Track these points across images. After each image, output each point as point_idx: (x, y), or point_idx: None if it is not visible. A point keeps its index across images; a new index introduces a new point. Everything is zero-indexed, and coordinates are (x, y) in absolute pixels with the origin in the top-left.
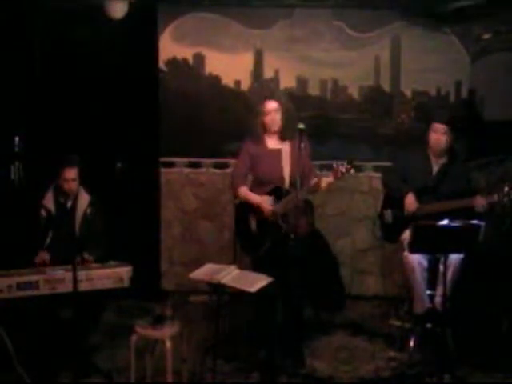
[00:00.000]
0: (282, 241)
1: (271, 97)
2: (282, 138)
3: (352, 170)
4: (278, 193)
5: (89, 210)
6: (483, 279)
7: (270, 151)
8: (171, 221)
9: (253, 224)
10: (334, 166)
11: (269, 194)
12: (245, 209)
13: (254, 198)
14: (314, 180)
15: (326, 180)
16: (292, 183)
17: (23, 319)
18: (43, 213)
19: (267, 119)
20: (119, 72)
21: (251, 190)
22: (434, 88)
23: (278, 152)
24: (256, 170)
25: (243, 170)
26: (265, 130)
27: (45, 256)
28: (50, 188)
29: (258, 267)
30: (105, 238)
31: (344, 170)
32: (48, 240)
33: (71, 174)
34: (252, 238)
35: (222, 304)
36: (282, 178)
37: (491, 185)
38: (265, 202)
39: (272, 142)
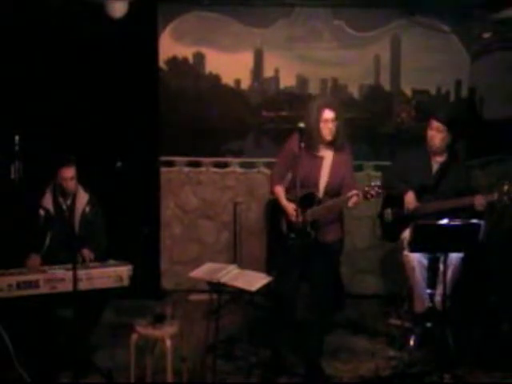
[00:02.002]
0: (310, 247)
1: (329, 105)
2: (335, 148)
3: (381, 194)
4: (310, 199)
5: (87, 209)
6: (483, 279)
7: (312, 156)
8: (171, 220)
9: (284, 225)
10: (366, 188)
11: (302, 198)
12: (279, 209)
13: (283, 201)
14: (343, 198)
15: (353, 201)
16: (327, 192)
17: (23, 318)
18: (41, 213)
19: (322, 128)
20: (119, 71)
21: (288, 189)
22: (434, 87)
23: (321, 159)
24: (295, 171)
25: (282, 169)
26: (319, 137)
27: (36, 260)
28: (49, 188)
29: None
30: (104, 236)
31: (374, 193)
32: (47, 240)
33: (69, 173)
34: (283, 239)
35: (222, 303)
36: (317, 186)
37: (491, 184)
38: (291, 209)
39: (318, 148)
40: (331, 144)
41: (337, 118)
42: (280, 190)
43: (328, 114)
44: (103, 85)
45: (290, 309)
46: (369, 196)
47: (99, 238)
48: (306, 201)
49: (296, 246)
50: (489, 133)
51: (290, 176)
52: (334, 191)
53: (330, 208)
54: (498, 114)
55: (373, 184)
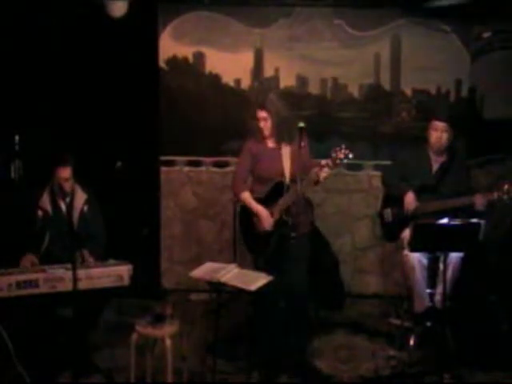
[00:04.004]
0: (289, 237)
1: (261, 106)
2: (278, 142)
3: (350, 155)
4: (279, 188)
5: (86, 209)
6: (483, 279)
7: (270, 150)
8: (171, 219)
9: (260, 228)
10: (333, 155)
11: (271, 189)
12: (248, 212)
13: (256, 207)
14: (313, 170)
15: (324, 172)
16: (292, 179)
17: (23, 318)
18: (40, 214)
19: (260, 125)
20: (119, 71)
21: (252, 187)
22: (434, 86)
23: (279, 151)
24: (257, 168)
25: (245, 172)
26: (263, 134)
27: (31, 259)
28: (47, 188)
29: (261, 266)
30: (103, 235)
31: (342, 156)
32: (46, 240)
33: (65, 173)
34: (258, 238)
35: (221, 303)
36: (283, 175)
37: (491, 183)
38: (265, 214)
39: (271, 143)
40: (276, 139)
41: (272, 117)
42: (248, 196)
43: (260, 114)
44: (103, 84)
45: (275, 307)
46: (338, 161)
47: (98, 237)
48: (275, 192)
49: (276, 241)
50: (489, 132)
51: (250, 177)
52: (296, 178)
53: (296, 192)
54: (497, 114)
55: (337, 148)
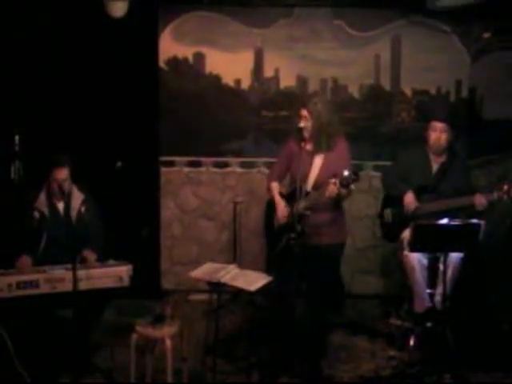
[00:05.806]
0: (296, 242)
1: (304, 104)
2: (315, 149)
3: (356, 181)
4: (296, 193)
5: (83, 209)
6: (483, 279)
7: (305, 153)
8: (171, 220)
9: (276, 221)
10: (343, 176)
11: (291, 191)
12: (272, 206)
13: (276, 197)
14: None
15: (329, 189)
16: (315, 187)
17: (23, 318)
18: (36, 215)
19: (302, 124)
20: (120, 71)
21: (288, 185)
22: (434, 87)
23: (312, 155)
24: (290, 169)
25: (279, 168)
26: (303, 134)
27: (26, 260)
28: (43, 189)
29: (271, 263)
30: (101, 235)
31: (350, 181)
32: (43, 242)
33: (61, 174)
34: (274, 235)
35: (221, 303)
36: (306, 181)
37: (491, 183)
38: (281, 205)
39: (309, 146)
40: (314, 145)
41: (312, 118)
42: (275, 186)
43: (303, 112)
44: (103, 85)
45: (289, 309)
46: (344, 182)
47: (96, 237)
48: (294, 196)
49: (293, 245)
50: (489, 133)
51: (289, 175)
52: (322, 186)
53: (314, 200)
54: (497, 114)
55: (348, 173)
